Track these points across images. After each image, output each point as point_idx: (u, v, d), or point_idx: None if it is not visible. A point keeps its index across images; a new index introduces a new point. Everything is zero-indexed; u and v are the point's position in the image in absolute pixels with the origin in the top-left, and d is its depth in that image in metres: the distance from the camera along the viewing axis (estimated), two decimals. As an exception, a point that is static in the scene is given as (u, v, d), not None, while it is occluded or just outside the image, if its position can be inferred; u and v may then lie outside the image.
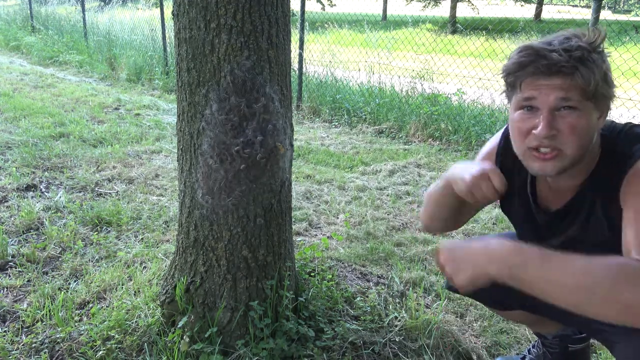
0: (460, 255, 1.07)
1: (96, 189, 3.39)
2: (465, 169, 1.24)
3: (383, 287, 2.34)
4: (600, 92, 1.07)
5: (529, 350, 1.81)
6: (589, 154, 1.15)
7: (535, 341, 1.80)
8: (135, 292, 2.13)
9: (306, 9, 6.15)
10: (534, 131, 1.09)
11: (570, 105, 1.06)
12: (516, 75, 1.11)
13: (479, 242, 1.06)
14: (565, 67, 1.04)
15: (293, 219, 2.78)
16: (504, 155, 1.35)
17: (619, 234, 1.09)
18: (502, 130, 1.39)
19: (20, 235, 2.69)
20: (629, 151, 1.10)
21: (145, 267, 2.39)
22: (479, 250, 1.04)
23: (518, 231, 1.43)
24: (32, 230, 2.76)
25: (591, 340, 1.79)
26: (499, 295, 1.47)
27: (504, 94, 1.21)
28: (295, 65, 6.19)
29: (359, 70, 6.71)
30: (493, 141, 1.40)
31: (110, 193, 3.34)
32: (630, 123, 1.17)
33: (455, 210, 1.38)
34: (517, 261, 0.98)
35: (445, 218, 1.42)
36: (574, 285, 0.92)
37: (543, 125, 1.07)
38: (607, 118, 1.17)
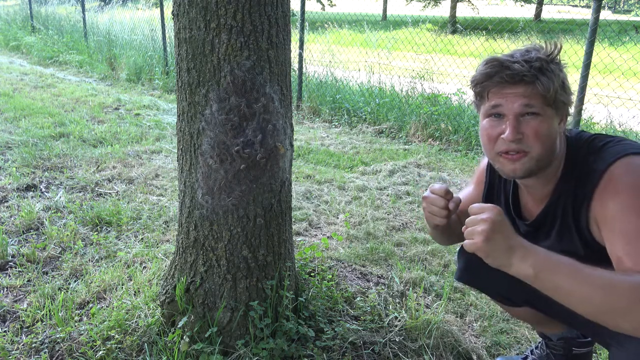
0: (501, 234, 1.08)
1: (96, 189, 3.39)
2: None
3: (383, 287, 2.34)
4: (559, 98, 1.18)
5: (531, 351, 1.81)
6: (556, 159, 1.24)
7: (539, 342, 1.80)
8: (135, 292, 2.13)
9: (306, 9, 6.15)
10: (502, 136, 1.19)
11: (533, 111, 1.17)
12: (483, 85, 1.21)
13: (520, 237, 1.10)
14: (526, 76, 1.15)
15: (293, 219, 2.78)
16: (492, 171, 1.46)
17: (591, 246, 1.19)
18: None
19: (20, 235, 2.69)
20: (599, 162, 1.17)
21: (145, 267, 2.39)
22: (519, 243, 1.08)
23: None
24: (32, 230, 2.76)
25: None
26: (506, 289, 1.51)
27: (473, 105, 1.30)
28: (295, 65, 6.19)
29: (359, 70, 6.71)
30: (485, 157, 1.48)
31: (110, 193, 3.34)
32: (596, 134, 1.26)
33: (452, 231, 1.46)
34: (548, 266, 1.05)
35: (451, 239, 1.56)
36: (598, 299, 1.00)
37: (510, 130, 1.17)
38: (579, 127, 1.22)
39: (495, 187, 1.48)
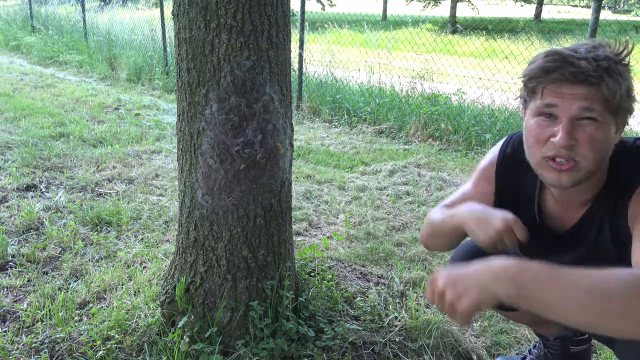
0: (462, 278, 0.97)
1: (96, 189, 3.39)
2: (484, 219, 1.18)
3: (383, 287, 2.34)
4: (622, 105, 1.06)
5: (529, 351, 1.81)
6: (601, 169, 1.13)
7: (537, 342, 1.80)
8: (135, 292, 2.13)
9: (306, 9, 6.15)
10: (552, 139, 1.07)
11: (591, 116, 1.04)
12: (539, 80, 1.08)
13: (481, 263, 0.97)
14: (591, 77, 1.02)
15: (293, 219, 2.78)
16: (504, 172, 1.32)
17: (624, 249, 1.07)
18: (499, 145, 1.35)
19: (20, 235, 2.69)
20: (637, 169, 1.09)
21: (145, 267, 2.39)
22: (482, 271, 0.95)
23: (523, 248, 1.37)
24: (32, 230, 2.76)
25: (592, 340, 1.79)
26: None
27: (519, 99, 1.18)
28: (295, 65, 6.19)
29: (359, 70, 6.71)
30: (491, 156, 1.36)
31: (110, 193, 3.34)
32: (638, 139, 1.15)
33: (460, 239, 1.36)
34: (526, 279, 0.90)
35: (447, 244, 1.40)
36: (588, 302, 0.86)
37: (562, 134, 1.04)
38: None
39: (509, 190, 1.34)
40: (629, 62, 1.07)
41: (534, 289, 0.89)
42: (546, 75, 1.06)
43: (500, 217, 1.16)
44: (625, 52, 1.06)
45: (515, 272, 0.91)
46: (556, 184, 1.11)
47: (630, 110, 1.08)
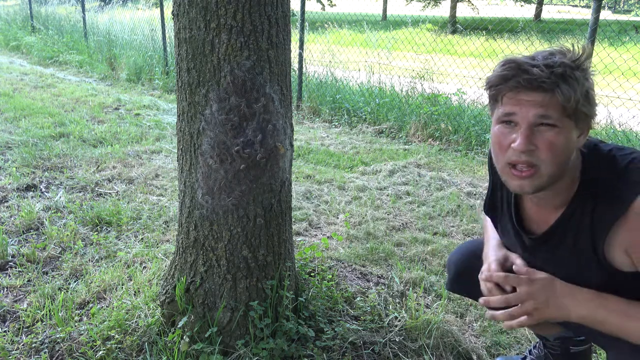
0: (550, 296, 1.17)
1: (96, 189, 3.39)
2: (485, 257, 1.40)
3: (383, 287, 2.34)
4: (581, 110, 1.07)
5: (529, 351, 1.81)
6: (570, 173, 1.15)
7: (537, 342, 1.80)
8: (135, 292, 2.13)
9: (306, 9, 6.15)
10: (512, 145, 1.10)
11: (549, 122, 1.06)
12: (498, 88, 1.11)
13: (566, 286, 1.18)
14: (545, 83, 1.05)
15: (293, 219, 2.78)
16: (494, 170, 1.35)
17: (608, 268, 1.15)
18: None
19: (20, 235, 2.69)
20: (623, 189, 1.09)
21: (145, 267, 2.39)
22: (567, 297, 1.17)
23: (509, 249, 1.41)
24: (32, 230, 2.76)
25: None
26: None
27: (488, 107, 1.21)
28: (295, 65, 6.19)
29: (359, 70, 6.71)
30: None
31: (110, 193, 3.34)
32: (615, 147, 1.17)
33: None
34: (601, 314, 1.14)
35: None
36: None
37: (521, 140, 1.08)
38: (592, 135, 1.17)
39: (498, 191, 1.40)
40: (587, 67, 1.09)
41: (605, 321, 1.14)
42: (504, 83, 1.09)
43: (485, 266, 1.32)
44: (584, 57, 1.08)
45: (595, 306, 1.15)
46: (519, 190, 1.15)
47: (590, 115, 1.10)
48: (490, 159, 1.38)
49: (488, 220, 1.51)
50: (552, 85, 1.05)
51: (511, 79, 1.08)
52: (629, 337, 1.12)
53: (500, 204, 1.39)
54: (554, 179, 1.12)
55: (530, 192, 1.14)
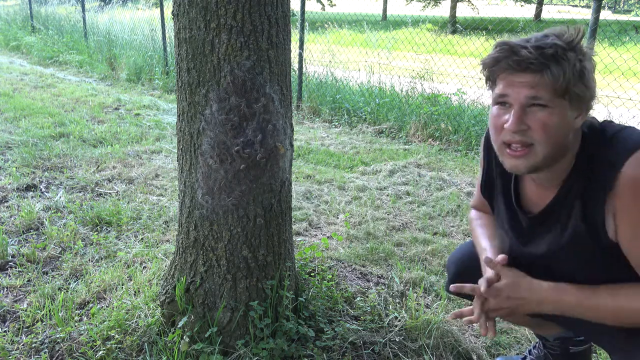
0: (518, 303, 1.26)
1: (96, 189, 3.39)
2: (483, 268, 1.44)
3: (383, 287, 2.34)
4: (573, 90, 1.08)
5: (529, 351, 1.81)
6: (569, 153, 1.16)
7: (536, 342, 1.80)
8: (135, 292, 2.13)
9: (306, 9, 6.15)
10: (505, 125, 1.12)
11: (540, 102, 1.08)
12: (491, 70, 1.14)
13: (537, 285, 1.24)
14: (533, 64, 1.06)
15: (293, 219, 2.78)
16: (489, 145, 1.36)
17: (595, 228, 1.14)
18: None
19: (20, 235, 2.69)
20: (612, 158, 1.10)
21: (145, 267, 2.39)
22: (534, 302, 1.24)
23: (505, 236, 1.43)
24: (32, 230, 2.76)
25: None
26: None
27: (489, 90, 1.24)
28: (295, 65, 6.19)
29: (359, 70, 6.71)
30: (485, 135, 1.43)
31: (110, 193, 3.34)
32: (606, 122, 1.18)
33: None
34: (569, 298, 1.20)
35: None
36: (610, 320, 1.17)
37: (512, 120, 1.10)
38: (609, 119, 1.18)
39: (493, 172, 1.41)
40: (581, 48, 1.09)
41: (573, 310, 1.21)
42: (496, 65, 1.12)
43: (479, 282, 1.34)
44: (577, 38, 1.08)
45: (562, 305, 1.21)
46: (514, 169, 1.17)
47: (585, 95, 1.10)
48: (486, 139, 1.41)
49: (478, 229, 1.53)
50: (540, 66, 1.06)
51: (502, 61, 1.11)
52: (605, 319, 1.17)
53: (496, 183, 1.41)
54: (550, 159, 1.13)
55: (525, 171, 1.16)
